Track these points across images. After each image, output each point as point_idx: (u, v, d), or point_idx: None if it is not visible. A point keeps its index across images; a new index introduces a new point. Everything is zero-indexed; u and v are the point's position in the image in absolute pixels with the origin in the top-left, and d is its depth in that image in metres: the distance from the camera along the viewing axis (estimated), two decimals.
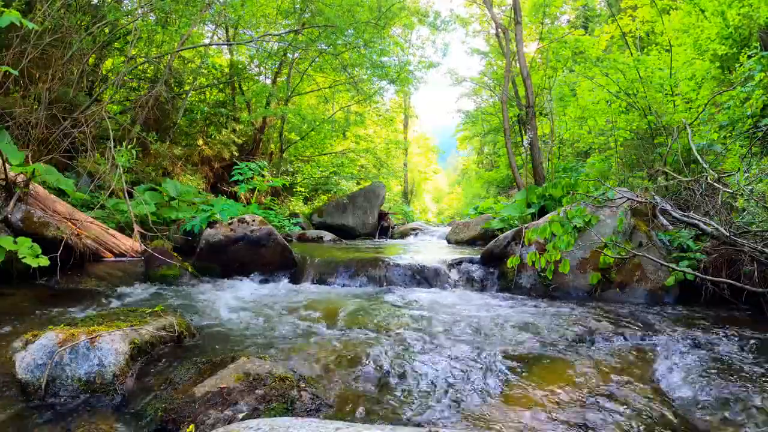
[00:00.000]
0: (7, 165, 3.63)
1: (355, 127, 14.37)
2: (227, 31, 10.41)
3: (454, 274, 4.19)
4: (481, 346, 2.29)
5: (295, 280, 4.33)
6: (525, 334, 2.53)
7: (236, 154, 10.42)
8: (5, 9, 2.91)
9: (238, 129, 10.86)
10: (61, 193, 4.53)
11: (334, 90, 13.28)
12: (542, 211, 6.53)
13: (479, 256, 4.41)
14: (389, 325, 2.68)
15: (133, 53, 7.38)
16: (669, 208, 3.77)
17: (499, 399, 1.73)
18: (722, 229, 3.20)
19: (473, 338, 2.45)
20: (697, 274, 3.16)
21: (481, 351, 2.23)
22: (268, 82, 11.53)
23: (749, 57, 5.11)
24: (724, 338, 2.41)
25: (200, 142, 9.77)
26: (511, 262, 3.89)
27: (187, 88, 9.32)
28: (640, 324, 2.72)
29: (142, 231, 4.64)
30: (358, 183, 15.04)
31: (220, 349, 2.20)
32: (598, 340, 2.43)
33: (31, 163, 3.97)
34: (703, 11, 7.61)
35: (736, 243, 3.10)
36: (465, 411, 1.65)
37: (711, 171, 3.86)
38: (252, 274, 4.32)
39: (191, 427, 1.44)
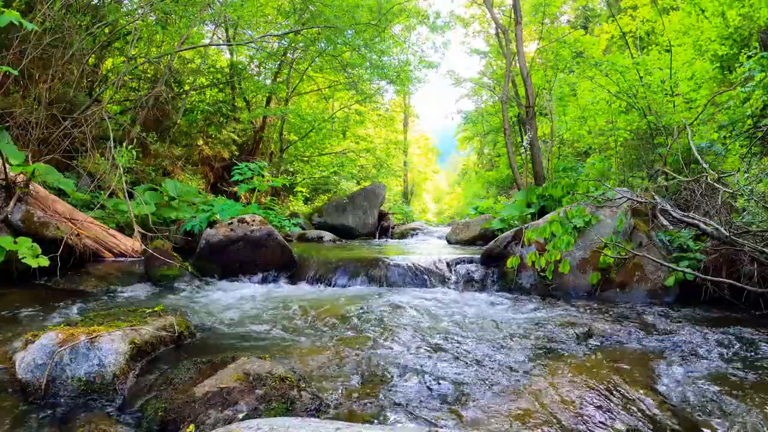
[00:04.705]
0: (7, 165, 3.63)
1: (355, 127, 14.37)
2: (227, 31, 10.40)
3: (453, 274, 4.19)
4: (480, 346, 2.30)
5: (295, 280, 4.33)
6: (524, 334, 2.53)
7: (236, 153, 10.42)
8: (5, 9, 2.90)
9: (237, 129, 10.85)
10: (61, 193, 4.53)
11: (334, 89, 13.28)
12: (542, 211, 6.52)
13: (479, 256, 4.41)
14: (389, 325, 2.68)
15: (133, 53, 7.38)
16: (669, 208, 3.77)
17: (497, 398, 1.73)
18: (722, 229, 3.20)
19: (472, 338, 2.45)
20: (697, 274, 3.16)
21: (480, 351, 2.23)
22: (268, 82, 11.53)
23: (749, 57, 5.12)
24: (724, 338, 2.41)
25: (200, 142, 9.77)
26: (511, 262, 3.89)
27: (187, 88, 9.31)
28: (639, 324, 2.73)
29: (143, 231, 4.64)
30: (358, 183, 15.03)
31: (220, 349, 2.20)
32: (597, 339, 2.43)
33: (31, 163, 3.97)
34: (703, 11, 7.61)
35: (736, 243, 3.10)
36: (464, 410, 1.65)
37: (711, 171, 3.86)
38: (252, 274, 4.32)
39: (191, 427, 1.44)
